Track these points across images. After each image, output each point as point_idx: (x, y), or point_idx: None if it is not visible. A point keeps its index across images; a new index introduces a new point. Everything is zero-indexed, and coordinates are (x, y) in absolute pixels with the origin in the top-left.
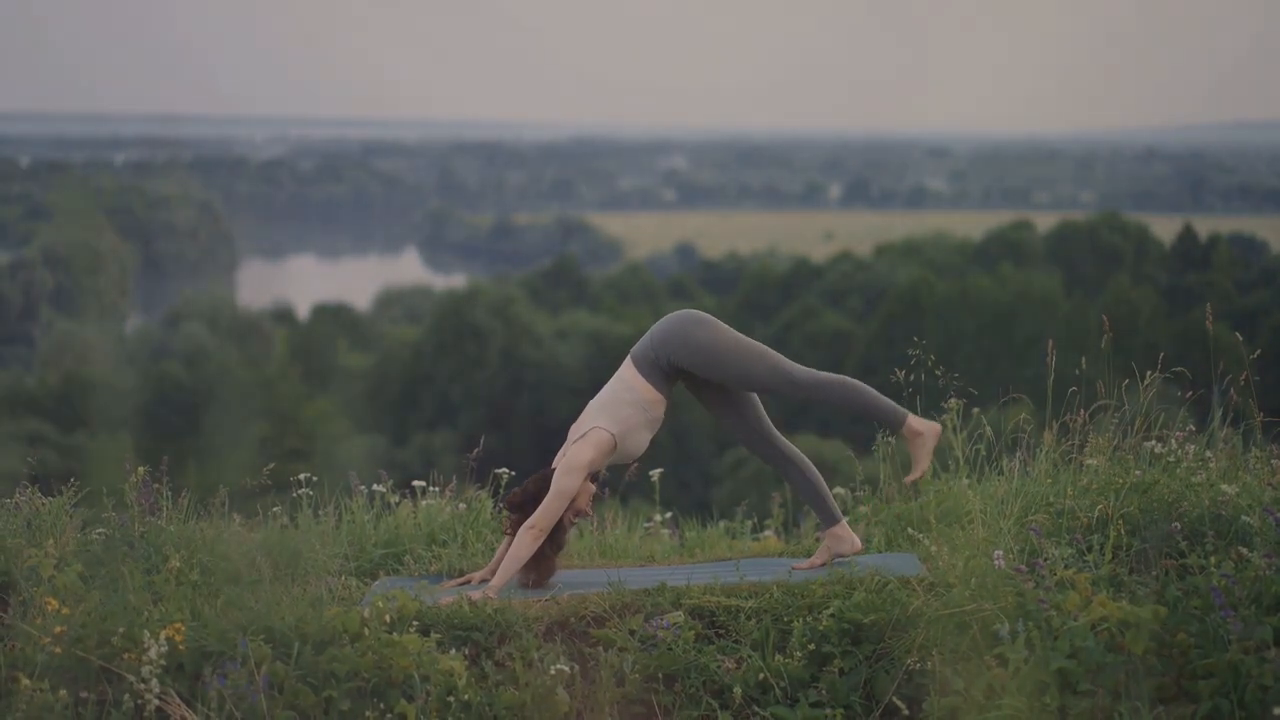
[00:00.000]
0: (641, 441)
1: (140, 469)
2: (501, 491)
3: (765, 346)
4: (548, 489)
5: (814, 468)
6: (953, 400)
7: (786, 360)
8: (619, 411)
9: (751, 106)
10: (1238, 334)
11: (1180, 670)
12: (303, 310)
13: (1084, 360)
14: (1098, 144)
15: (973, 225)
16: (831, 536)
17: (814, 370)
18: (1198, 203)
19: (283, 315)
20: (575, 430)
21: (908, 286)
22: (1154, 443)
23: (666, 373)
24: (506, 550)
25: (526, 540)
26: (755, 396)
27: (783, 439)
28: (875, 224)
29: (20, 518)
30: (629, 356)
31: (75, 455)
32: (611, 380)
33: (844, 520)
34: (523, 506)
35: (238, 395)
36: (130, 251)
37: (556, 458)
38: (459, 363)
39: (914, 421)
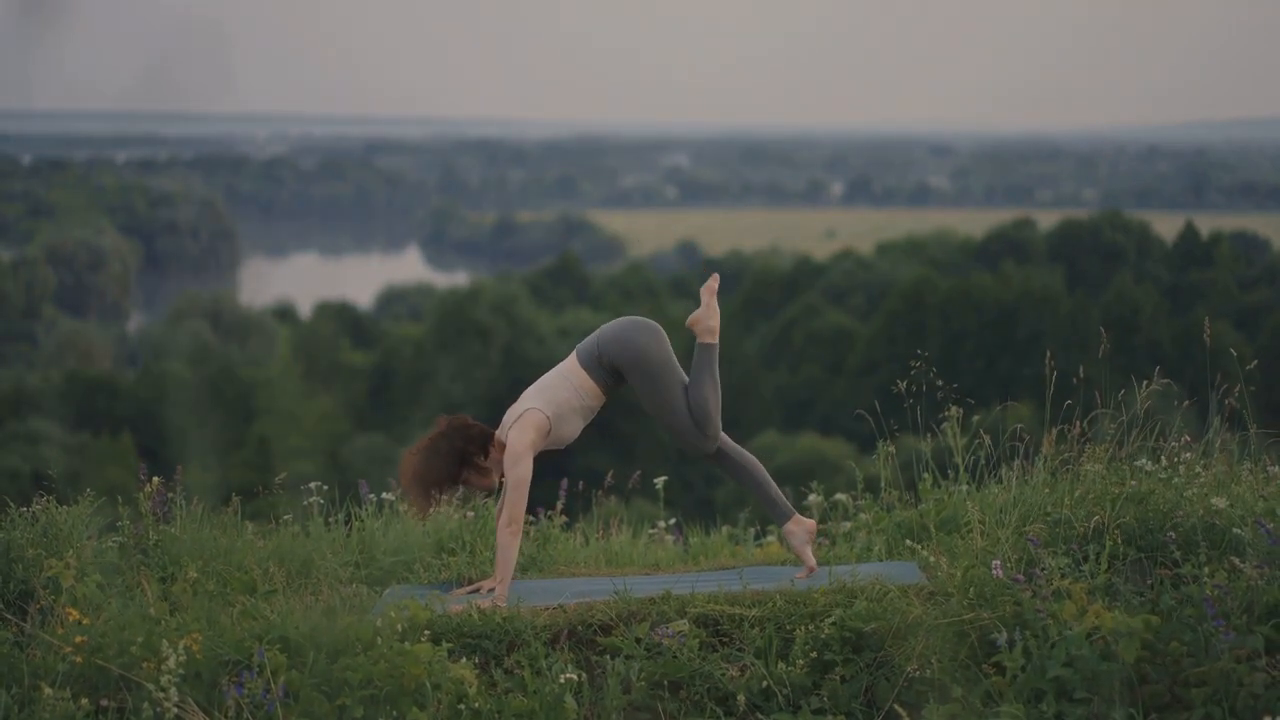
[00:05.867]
0: (575, 427)
1: (155, 479)
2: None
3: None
4: (462, 436)
5: (762, 467)
6: (952, 409)
7: (716, 409)
8: (556, 395)
9: (754, 104)
10: (1233, 350)
11: (1173, 678)
12: (305, 308)
13: (1082, 369)
14: (1100, 141)
15: (975, 223)
16: (788, 533)
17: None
18: (1200, 200)
19: (285, 313)
20: (511, 413)
21: (910, 284)
22: (1145, 461)
23: (606, 370)
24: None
25: (508, 539)
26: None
27: (729, 441)
28: (877, 222)
29: (37, 528)
30: (574, 351)
31: (79, 454)
32: (551, 370)
33: (795, 514)
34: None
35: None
36: (132, 249)
37: (498, 431)
38: (461, 361)
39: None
